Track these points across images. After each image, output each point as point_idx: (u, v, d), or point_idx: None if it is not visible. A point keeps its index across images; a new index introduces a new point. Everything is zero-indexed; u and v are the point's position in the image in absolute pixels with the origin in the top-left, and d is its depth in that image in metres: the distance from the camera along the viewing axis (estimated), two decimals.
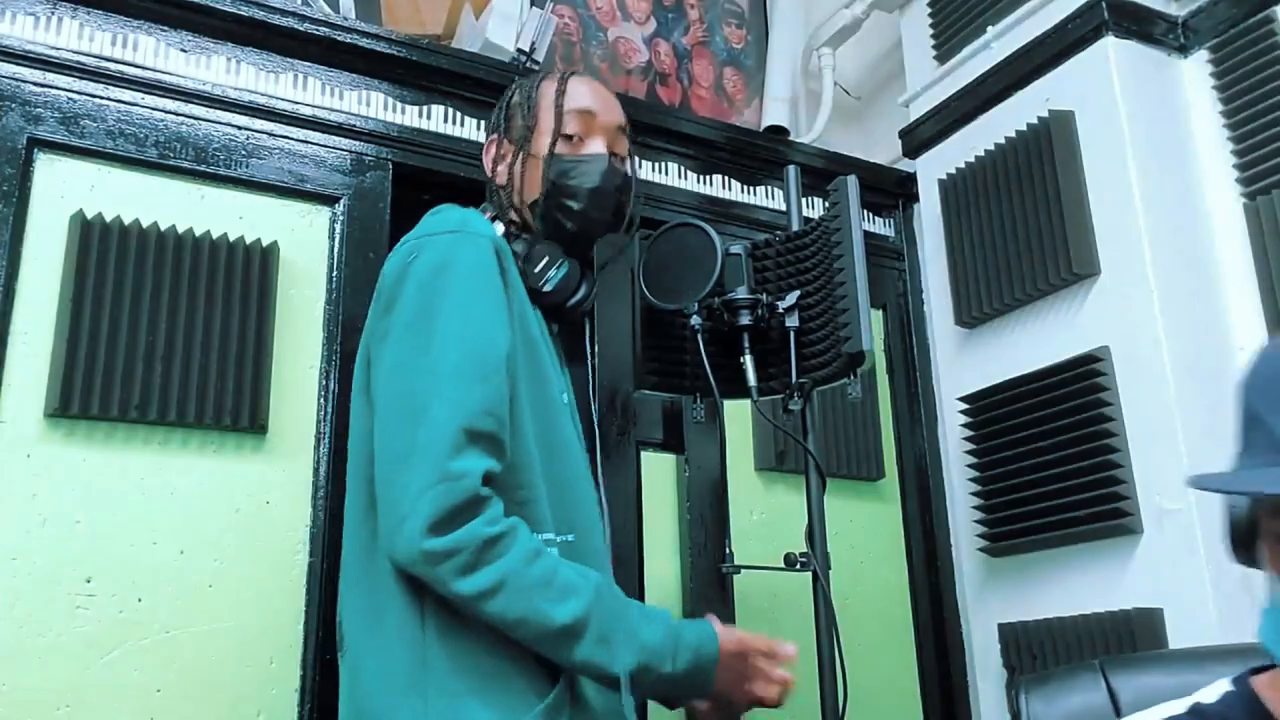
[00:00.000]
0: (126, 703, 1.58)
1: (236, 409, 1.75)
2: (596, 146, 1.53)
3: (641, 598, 2.02)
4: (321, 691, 1.70)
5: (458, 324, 1.26)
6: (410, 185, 2.07)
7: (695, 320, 1.68)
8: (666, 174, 2.39)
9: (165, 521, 1.68)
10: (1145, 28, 2.17)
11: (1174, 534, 1.88)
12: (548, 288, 1.48)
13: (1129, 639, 1.89)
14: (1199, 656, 1.04)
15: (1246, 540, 0.76)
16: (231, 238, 1.83)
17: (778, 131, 2.89)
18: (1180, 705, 0.79)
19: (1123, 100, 2.09)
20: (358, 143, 2.01)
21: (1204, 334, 2.01)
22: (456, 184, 2.10)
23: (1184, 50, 2.19)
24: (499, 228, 1.50)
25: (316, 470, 1.82)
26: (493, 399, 1.24)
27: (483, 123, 2.15)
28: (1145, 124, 2.10)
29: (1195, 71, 2.16)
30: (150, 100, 1.83)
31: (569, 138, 1.52)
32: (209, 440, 1.75)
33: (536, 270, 1.47)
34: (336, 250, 1.94)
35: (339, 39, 2.00)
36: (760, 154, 2.55)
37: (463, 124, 2.14)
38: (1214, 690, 0.79)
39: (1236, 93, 2.06)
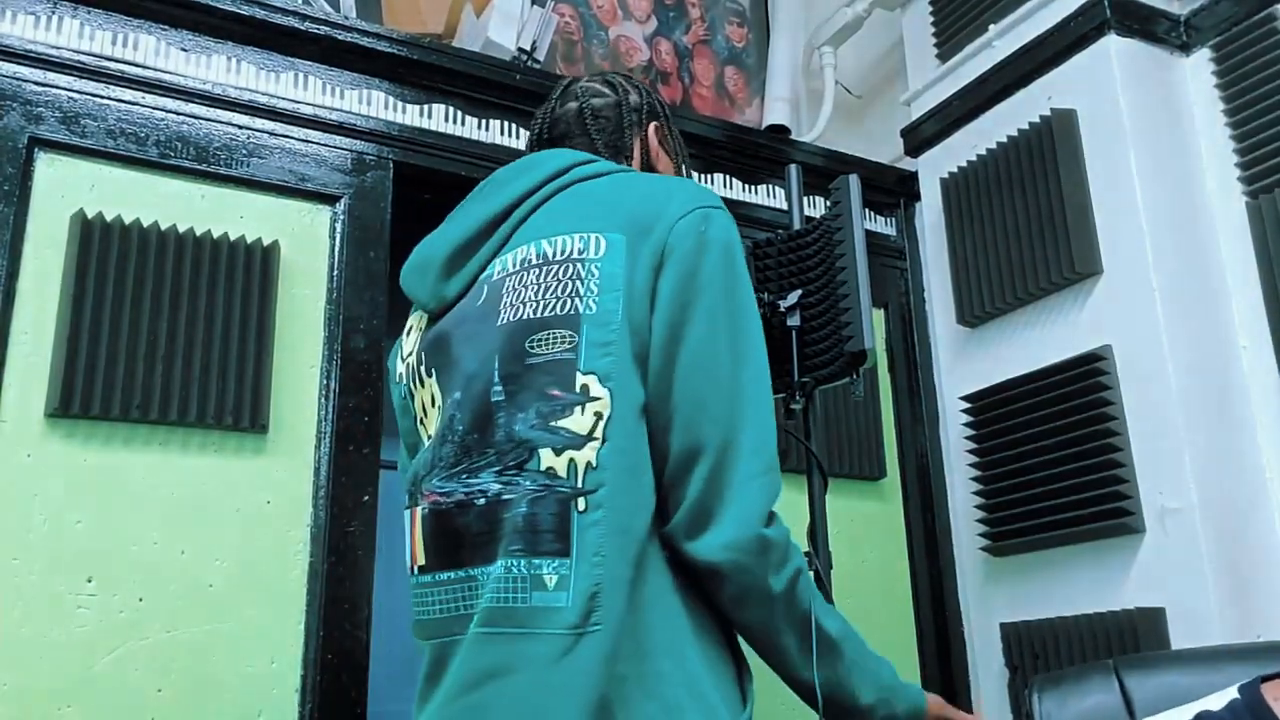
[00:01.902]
0: (127, 702, 1.58)
1: (237, 408, 1.75)
2: None
3: None
4: (322, 691, 1.70)
5: (754, 315, 1.27)
6: (411, 184, 2.07)
7: None
8: None
9: (166, 521, 1.68)
10: (1147, 26, 2.16)
11: (1176, 533, 1.88)
12: None
13: (1131, 639, 1.88)
14: (1212, 656, 1.03)
15: None
16: (232, 237, 1.83)
17: (779, 130, 2.88)
18: (1187, 712, 0.78)
19: (1125, 99, 2.08)
20: (359, 142, 2.01)
21: (1206, 333, 2.00)
22: (458, 183, 2.10)
23: (1186, 49, 2.19)
24: None
25: (317, 470, 1.82)
26: None
27: (481, 121, 2.15)
28: (1147, 122, 2.09)
29: (1197, 70, 2.16)
30: (151, 99, 1.83)
31: None
32: (210, 440, 1.75)
33: None
34: (337, 249, 1.94)
35: (339, 38, 2.00)
36: (762, 153, 2.54)
37: (464, 123, 2.14)
38: (1221, 698, 0.77)
39: (1238, 91, 2.05)
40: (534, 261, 1.25)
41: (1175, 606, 1.87)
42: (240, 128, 1.90)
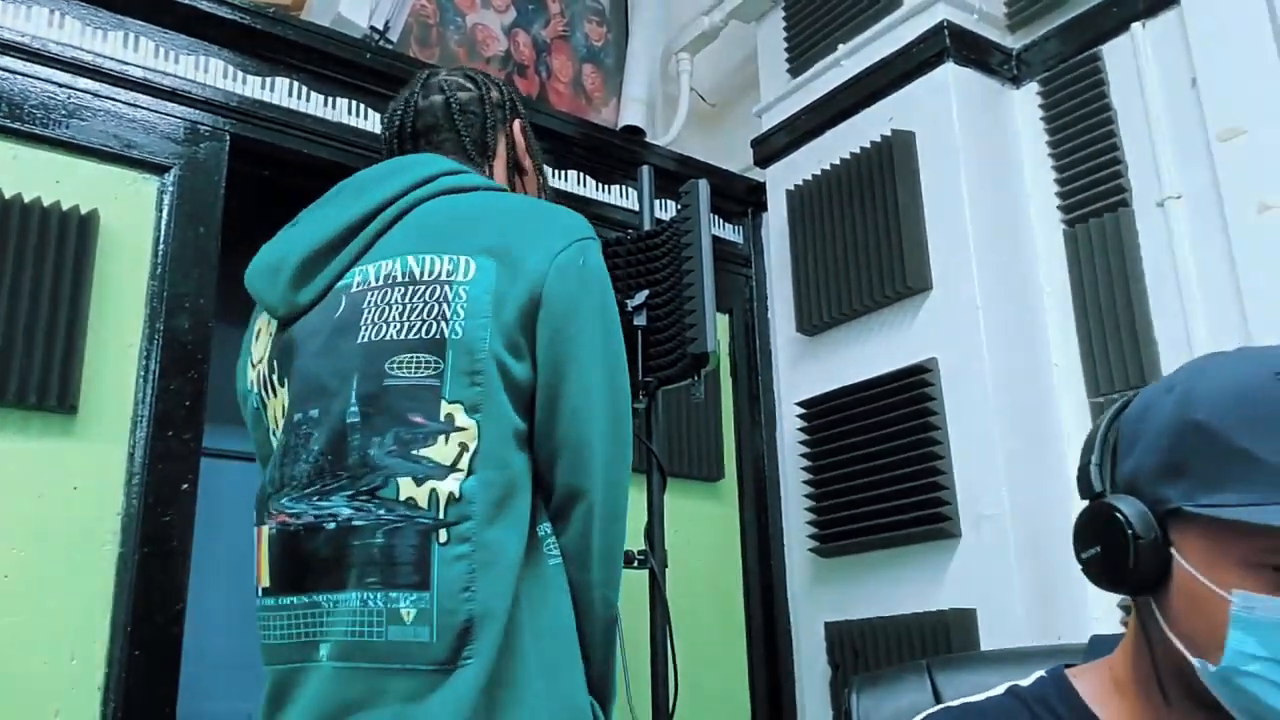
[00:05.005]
0: None
1: (44, 386, 1.63)
2: None
3: None
4: (126, 689, 1.60)
5: (623, 353, 1.28)
6: (249, 159, 1.97)
7: None
8: None
9: None
10: (983, 57, 2.28)
11: (989, 538, 1.99)
12: None
13: (944, 638, 1.98)
14: (1019, 656, 1.10)
15: (1159, 572, 0.73)
16: (46, 202, 1.70)
17: (634, 132, 2.90)
18: (1000, 689, 0.86)
19: (959, 124, 2.19)
20: (193, 110, 1.90)
21: (1023, 350, 2.12)
22: (299, 160, 2.01)
23: (1017, 81, 2.32)
24: None
25: (132, 455, 1.71)
26: None
27: (327, 98, 2.07)
28: (978, 149, 2.20)
29: (1026, 102, 2.29)
30: None
31: None
32: (10, 419, 1.62)
33: None
34: (164, 223, 1.83)
35: None
36: (615, 153, 2.55)
37: (309, 99, 2.05)
38: (1030, 678, 0.86)
39: (1061, 125, 2.18)
40: (399, 279, 1.21)
41: (985, 608, 1.98)
42: (60, 86, 1.77)
